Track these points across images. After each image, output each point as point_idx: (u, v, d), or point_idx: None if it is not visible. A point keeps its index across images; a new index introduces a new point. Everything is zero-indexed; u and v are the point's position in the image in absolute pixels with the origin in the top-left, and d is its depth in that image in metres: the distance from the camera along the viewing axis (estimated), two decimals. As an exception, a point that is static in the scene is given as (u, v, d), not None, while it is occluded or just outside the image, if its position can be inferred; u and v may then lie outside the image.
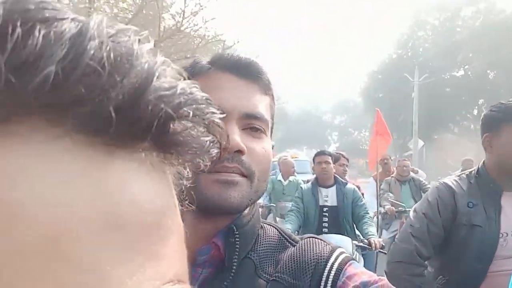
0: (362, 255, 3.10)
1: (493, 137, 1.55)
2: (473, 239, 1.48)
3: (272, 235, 0.65)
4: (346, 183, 3.33)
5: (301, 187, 3.44)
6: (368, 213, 3.18)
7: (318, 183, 3.30)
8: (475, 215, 1.49)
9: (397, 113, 25.43)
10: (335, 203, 3.19)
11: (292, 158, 10.12)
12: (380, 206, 4.78)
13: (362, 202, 3.21)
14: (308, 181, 4.33)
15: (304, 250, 0.61)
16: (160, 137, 0.19)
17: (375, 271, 3.26)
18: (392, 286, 0.54)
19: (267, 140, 0.62)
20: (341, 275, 0.57)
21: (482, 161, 1.63)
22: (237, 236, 0.58)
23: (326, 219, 3.18)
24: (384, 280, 0.55)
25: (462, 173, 1.67)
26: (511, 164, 1.49)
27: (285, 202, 5.17)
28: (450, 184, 1.59)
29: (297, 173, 5.91)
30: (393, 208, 4.41)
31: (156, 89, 0.18)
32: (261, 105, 0.61)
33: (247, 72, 0.62)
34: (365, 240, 2.92)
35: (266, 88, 0.64)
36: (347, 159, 4.52)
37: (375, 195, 5.05)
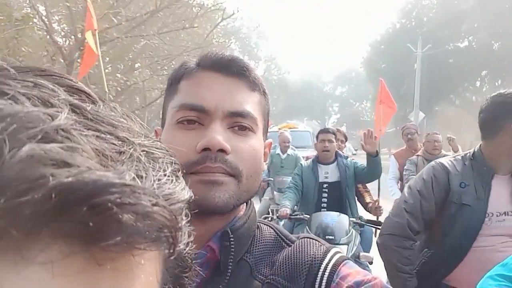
0: (360, 232, 3.15)
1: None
2: (461, 217, 1.58)
3: (269, 235, 0.65)
4: (347, 157, 3.33)
5: (300, 164, 3.43)
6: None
7: (318, 160, 3.31)
8: (465, 195, 1.58)
9: (399, 84, 25.20)
10: (335, 179, 3.20)
11: (291, 128, 10.10)
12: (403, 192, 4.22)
13: (362, 164, 3.21)
14: (307, 158, 4.34)
15: (299, 252, 0.60)
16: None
17: (371, 248, 3.31)
18: (385, 284, 0.54)
19: (255, 138, 0.61)
20: (335, 276, 0.57)
21: (478, 145, 1.68)
22: (232, 240, 0.58)
23: (325, 195, 3.20)
24: (378, 279, 0.55)
25: (457, 155, 1.74)
26: None
27: (283, 176, 5.21)
28: (446, 164, 1.66)
29: (297, 147, 5.82)
30: None
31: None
32: (247, 102, 0.60)
33: (231, 69, 0.61)
34: (364, 217, 2.96)
35: (253, 85, 0.62)
36: (345, 136, 4.42)
37: (397, 177, 4.46)
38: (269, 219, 5.25)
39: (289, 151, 5.51)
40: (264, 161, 0.68)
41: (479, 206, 1.56)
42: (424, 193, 1.64)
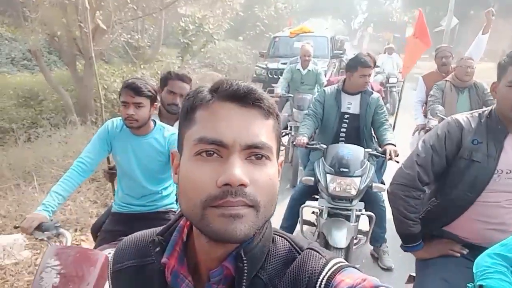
0: (376, 162, 3.19)
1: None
2: (469, 172, 1.64)
3: (282, 249, 0.69)
4: (372, 93, 3.21)
5: (323, 90, 3.32)
6: (387, 120, 3.17)
7: (343, 89, 3.21)
8: (476, 152, 1.63)
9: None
10: (357, 111, 3.15)
11: (305, 33, 9.60)
12: (426, 118, 3.95)
13: (383, 110, 3.16)
14: (329, 83, 4.20)
15: (301, 265, 0.65)
16: None
17: (382, 177, 3.39)
18: (374, 284, 0.58)
19: (271, 165, 0.64)
20: (330, 286, 0.61)
21: (494, 106, 1.69)
22: (245, 261, 0.63)
23: (345, 125, 3.18)
24: (367, 280, 0.59)
25: (476, 112, 1.74)
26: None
27: (303, 93, 5.16)
28: (461, 120, 1.70)
29: (314, 57, 5.53)
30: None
31: None
32: (262, 132, 0.62)
33: (247, 100, 0.62)
34: (379, 149, 2.99)
35: (267, 112, 0.64)
36: (375, 61, 3.82)
37: (423, 101, 4.27)
38: (288, 135, 5.35)
39: (310, 66, 5.36)
40: (278, 177, 0.71)
41: (489, 163, 1.61)
42: (436, 148, 1.71)
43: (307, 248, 0.68)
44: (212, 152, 0.60)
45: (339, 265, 0.64)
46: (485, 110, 1.71)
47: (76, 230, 3.72)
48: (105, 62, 9.74)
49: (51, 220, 1.90)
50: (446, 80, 3.81)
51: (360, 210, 2.83)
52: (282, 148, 5.82)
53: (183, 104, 0.68)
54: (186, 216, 0.64)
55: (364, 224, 3.10)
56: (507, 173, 1.60)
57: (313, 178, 2.89)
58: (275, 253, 0.68)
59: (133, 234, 0.83)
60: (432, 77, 4.28)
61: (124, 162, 2.24)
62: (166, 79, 2.59)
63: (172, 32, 12.66)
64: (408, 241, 1.85)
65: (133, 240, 0.81)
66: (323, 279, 0.62)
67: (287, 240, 0.71)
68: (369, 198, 2.93)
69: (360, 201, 2.81)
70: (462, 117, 1.72)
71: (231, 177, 0.57)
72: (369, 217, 2.86)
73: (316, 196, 3.02)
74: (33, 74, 8.87)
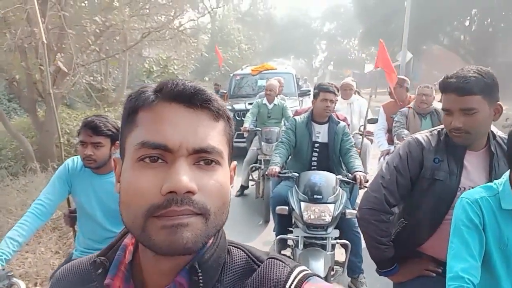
0: (348, 188, 3.22)
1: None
2: (433, 191, 1.65)
3: (239, 260, 0.64)
4: (339, 122, 3.31)
5: (294, 119, 3.38)
6: (353, 147, 3.24)
7: (312, 118, 3.27)
8: (438, 170, 1.64)
9: (387, 22, 24.61)
10: (325, 140, 3.23)
11: (268, 70, 9.40)
12: (392, 144, 4.07)
13: (349, 137, 3.26)
14: (296, 113, 4.27)
15: (264, 276, 0.61)
16: None
17: (354, 204, 3.42)
18: None
19: (222, 170, 0.59)
20: None
21: None
22: (200, 273, 0.58)
23: (316, 154, 3.24)
24: None
25: (435, 129, 1.77)
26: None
27: (270, 126, 5.21)
28: (421, 139, 1.72)
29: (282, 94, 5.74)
30: None
31: None
32: (211, 135, 0.58)
33: (194, 101, 0.58)
34: (349, 175, 3.01)
35: (216, 115, 0.60)
36: (337, 89, 4.19)
37: (385, 128, 4.45)
38: (258, 169, 5.31)
39: (276, 101, 5.47)
40: (230, 184, 0.67)
41: (451, 181, 1.62)
42: (400, 169, 1.72)
43: (269, 258, 0.64)
44: (156, 158, 0.55)
45: (304, 273, 0.61)
46: (443, 128, 1.73)
47: (36, 284, 3.43)
48: (67, 106, 9.54)
49: (3, 269, 1.73)
50: (409, 107, 4.03)
51: (335, 239, 2.79)
52: (252, 183, 5.84)
53: (124, 106, 0.63)
54: (128, 228, 0.58)
55: (339, 255, 3.07)
56: (469, 189, 1.59)
57: (287, 207, 2.84)
58: (232, 264, 0.63)
59: (70, 262, 0.74)
60: (390, 106, 4.59)
61: (84, 203, 2.11)
62: None
63: (137, 74, 12.69)
64: (383, 266, 1.82)
65: (70, 268, 0.72)
66: (289, 287, 0.58)
67: (243, 251, 0.66)
68: (343, 225, 2.90)
69: (335, 228, 2.78)
70: (422, 136, 1.74)
71: (176, 184, 0.52)
72: (345, 245, 2.82)
73: (290, 229, 2.98)
74: (-9, 122, 8.52)
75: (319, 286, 0.58)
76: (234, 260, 0.64)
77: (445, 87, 1.56)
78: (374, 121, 4.96)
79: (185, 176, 0.53)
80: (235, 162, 0.69)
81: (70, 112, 8.66)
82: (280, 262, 0.63)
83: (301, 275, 0.60)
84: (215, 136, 0.59)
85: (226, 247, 0.65)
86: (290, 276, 0.60)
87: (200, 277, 0.58)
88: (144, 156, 0.55)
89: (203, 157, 0.57)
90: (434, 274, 1.73)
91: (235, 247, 0.67)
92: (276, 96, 5.52)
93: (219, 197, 0.57)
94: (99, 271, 0.63)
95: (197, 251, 0.57)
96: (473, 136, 1.57)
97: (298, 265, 0.63)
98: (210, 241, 0.62)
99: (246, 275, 0.62)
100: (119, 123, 2.47)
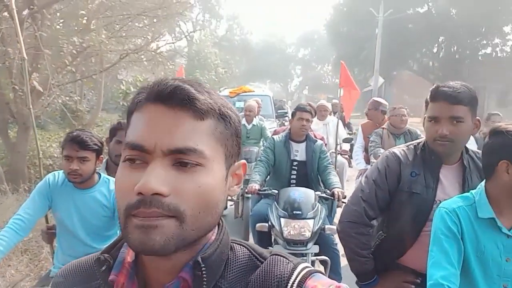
0: (326, 205, 3.27)
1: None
2: (410, 204, 1.69)
3: (242, 256, 0.64)
4: (316, 140, 3.41)
5: (272, 138, 3.47)
6: (330, 164, 3.32)
7: (290, 137, 3.35)
8: (415, 184, 1.69)
9: (359, 48, 25.45)
10: (304, 158, 3.30)
11: (245, 92, 9.44)
12: (369, 163, 4.20)
13: (326, 155, 3.35)
14: (275, 133, 4.36)
15: (267, 272, 0.61)
16: None
17: (333, 220, 3.46)
18: None
19: (205, 172, 0.57)
20: None
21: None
22: (204, 269, 0.58)
23: (294, 172, 3.31)
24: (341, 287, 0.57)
25: (411, 144, 1.83)
26: None
27: (250, 146, 5.25)
28: (398, 154, 1.76)
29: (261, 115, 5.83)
30: None
31: None
32: (191, 135, 0.56)
33: (173, 100, 0.56)
34: (328, 191, 3.06)
35: (201, 113, 0.57)
36: (315, 110, 4.37)
37: (363, 146, 4.60)
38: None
39: (255, 121, 5.54)
40: (237, 184, 0.67)
41: (428, 194, 1.67)
42: (378, 183, 1.75)
43: (272, 254, 0.64)
44: (134, 159, 0.56)
45: (307, 269, 0.61)
46: (419, 142, 1.79)
47: (5, 309, 3.27)
48: (40, 128, 9.32)
49: None
50: (383, 128, 4.17)
51: (315, 255, 2.81)
52: (231, 203, 5.81)
53: (128, 106, 0.65)
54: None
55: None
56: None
57: (267, 224, 2.85)
58: (235, 260, 0.64)
59: (72, 261, 0.73)
60: (368, 126, 4.74)
61: (65, 219, 2.07)
62: (115, 129, 2.51)
63: (112, 96, 12.56)
64: (363, 278, 1.84)
65: (73, 266, 0.71)
66: (293, 283, 0.59)
67: (246, 247, 0.66)
68: (322, 241, 2.93)
69: (314, 244, 2.80)
70: (399, 150, 1.79)
71: (142, 186, 0.52)
72: (324, 262, 2.83)
73: (270, 248, 2.97)
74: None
75: (322, 282, 0.59)
76: (237, 257, 0.64)
77: (437, 95, 1.62)
78: (348, 140, 5.10)
79: (154, 178, 0.53)
80: (243, 161, 0.68)
81: (43, 133, 8.47)
82: (284, 259, 0.63)
83: (304, 271, 0.60)
84: (195, 136, 0.56)
85: (229, 243, 0.65)
86: (293, 272, 0.60)
87: (204, 273, 0.58)
88: (127, 157, 0.57)
89: (180, 158, 0.55)
90: (413, 286, 1.76)
91: (238, 244, 0.67)
92: (255, 117, 5.60)
93: (198, 199, 0.56)
94: (103, 268, 0.62)
95: (169, 254, 0.56)
96: (455, 146, 1.63)
97: (301, 261, 0.63)
98: (213, 237, 0.63)
99: (249, 271, 0.62)
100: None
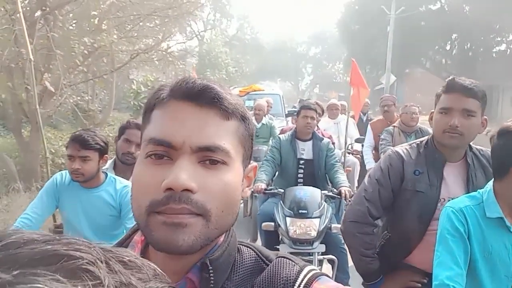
0: (334, 203, 3.26)
1: None
2: (415, 202, 1.68)
3: (249, 259, 0.64)
4: (323, 138, 3.40)
5: (279, 137, 3.48)
6: (338, 162, 3.31)
7: (296, 135, 3.35)
8: (419, 182, 1.68)
9: (371, 46, 25.24)
10: (310, 157, 3.30)
11: (255, 91, 9.39)
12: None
13: (333, 153, 3.33)
14: (282, 131, 4.35)
15: (273, 274, 0.61)
16: None
17: (340, 220, 3.44)
18: None
19: (229, 171, 0.58)
20: None
21: (431, 135, 1.77)
22: (211, 271, 0.58)
23: (301, 171, 3.30)
24: None
25: (414, 142, 1.82)
26: None
27: (259, 145, 5.25)
28: (401, 153, 1.76)
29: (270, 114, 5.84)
30: None
31: None
32: (218, 134, 0.57)
33: (202, 99, 0.57)
34: (335, 190, 3.05)
35: (227, 113, 0.59)
36: (322, 109, 4.37)
37: (372, 146, 4.59)
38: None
39: (264, 120, 5.54)
40: (248, 186, 0.67)
41: (432, 192, 1.66)
42: (382, 182, 1.75)
43: (279, 257, 0.64)
44: (161, 155, 0.56)
45: (313, 272, 0.61)
46: (422, 140, 1.78)
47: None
48: (53, 127, 9.46)
49: None
50: (394, 126, 4.14)
51: (322, 254, 2.80)
52: (240, 201, 5.78)
53: (144, 104, 0.65)
54: (136, 222, 0.59)
55: (326, 271, 3.05)
56: (449, 200, 1.63)
57: (273, 223, 2.86)
58: (242, 262, 0.64)
59: None
60: (378, 124, 4.69)
61: (72, 218, 2.09)
62: (124, 128, 2.53)
63: (124, 96, 12.67)
64: (369, 278, 1.83)
65: None
66: (299, 286, 0.59)
67: (253, 250, 0.66)
68: (329, 241, 2.92)
69: (320, 243, 2.79)
70: (402, 149, 1.78)
71: (173, 181, 0.52)
72: (331, 261, 2.82)
73: (277, 247, 2.98)
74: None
75: (328, 285, 0.59)
76: (244, 259, 0.64)
77: (452, 86, 1.62)
78: (360, 140, 5.07)
79: (184, 173, 0.53)
80: (254, 163, 0.69)
81: (55, 133, 8.59)
82: (290, 261, 0.63)
83: (310, 274, 0.60)
84: (222, 135, 0.57)
85: (236, 245, 0.65)
86: (299, 275, 0.60)
87: (211, 274, 0.57)
88: (151, 153, 0.57)
89: (208, 156, 0.56)
90: (420, 285, 1.74)
91: (245, 246, 0.67)
92: (264, 116, 5.60)
93: (223, 198, 0.57)
94: None
95: (193, 253, 0.56)
96: (464, 140, 1.62)
97: (307, 264, 0.63)
98: (221, 239, 0.63)
99: (255, 273, 0.62)
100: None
